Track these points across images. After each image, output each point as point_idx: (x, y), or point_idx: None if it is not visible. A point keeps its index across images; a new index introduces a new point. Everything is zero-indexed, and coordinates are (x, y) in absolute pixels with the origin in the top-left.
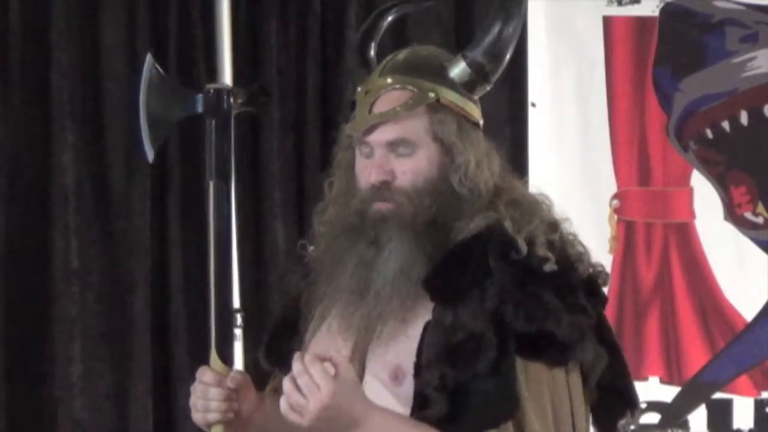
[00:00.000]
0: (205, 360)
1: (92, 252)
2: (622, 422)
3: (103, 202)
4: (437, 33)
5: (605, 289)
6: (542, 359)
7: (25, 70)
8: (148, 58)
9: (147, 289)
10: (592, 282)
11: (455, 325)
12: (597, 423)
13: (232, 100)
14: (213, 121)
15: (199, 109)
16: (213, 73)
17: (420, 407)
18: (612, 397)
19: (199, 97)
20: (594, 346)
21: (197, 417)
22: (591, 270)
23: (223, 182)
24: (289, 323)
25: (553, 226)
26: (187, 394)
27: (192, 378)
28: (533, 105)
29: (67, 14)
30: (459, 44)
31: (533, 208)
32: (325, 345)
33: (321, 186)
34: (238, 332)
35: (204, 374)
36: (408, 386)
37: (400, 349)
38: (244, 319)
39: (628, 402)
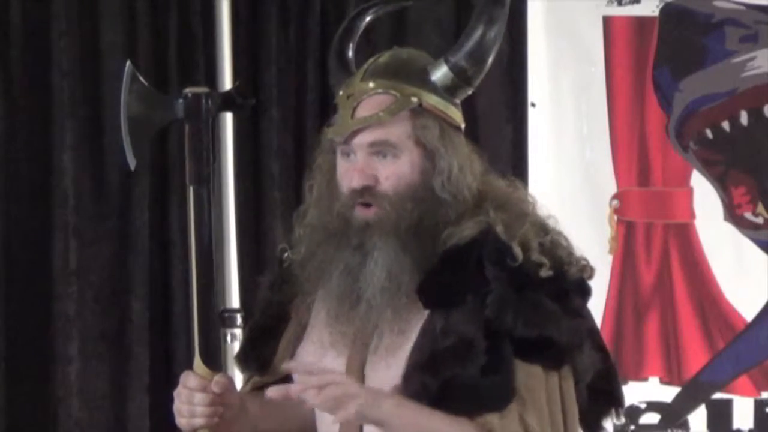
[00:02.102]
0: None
1: (91, 252)
2: (607, 421)
3: (103, 202)
4: (437, 34)
5: (591, 283)
6: (538, 362)
7: (25, 70)
8: (128, 65)
9: (146, 289)
10: (582, 282)
11: (445, 330)
12: (582, 422)
13: (209, 104)
14: (189, 126)
15: (180, 113)
16: (213, 73)
17: None
18: (598, 397)
19: (180, 101)
20: (590, 350)
21: (182, 422)
22: (580, 268)
23: (202, 187)
24: (267, 329)
25: (543, 227)
26: None
27: None
28: (533, 105)
29: (67, 14)
30: None
31: (521, 210)
32: (316, 357)
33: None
34: (238, 332)
35: (188, 379)
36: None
37: (400, 365)
38: (244, 319)
39: (614, 401)
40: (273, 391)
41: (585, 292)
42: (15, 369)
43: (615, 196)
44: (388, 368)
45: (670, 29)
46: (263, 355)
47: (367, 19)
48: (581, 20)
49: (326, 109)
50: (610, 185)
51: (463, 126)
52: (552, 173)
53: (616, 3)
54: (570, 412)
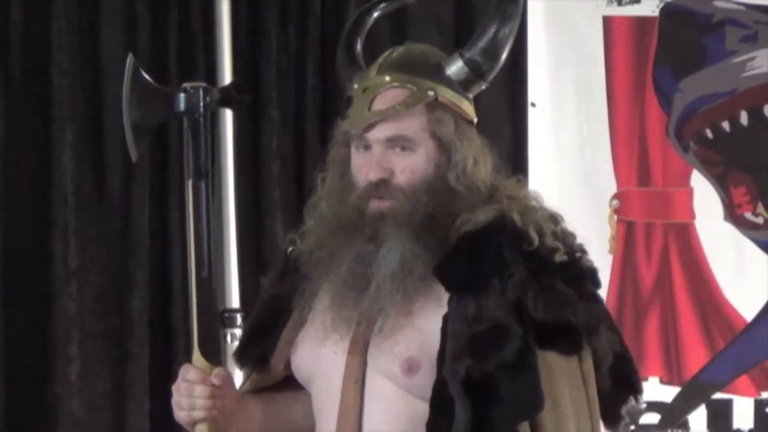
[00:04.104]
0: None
1: (91, 252)
2: (625, 408)
3: (103, 202)
4: (437, 33)
5: None
6: (557, 348)
7: (25, 70)
8: (130, 58)
9: (146, 289)
10: (594, 271)
11: (478, 316)
12: (600, 411)
13: (208, 98)
14: (189, 120)
15: (180, 107)
16: (213, 73)
17: (441, 403)
18: (616, 383)
19: (181, 95)
20: (607, 333)
21: (182, 415)
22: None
23: (201, 181)
24: (266, 325)
25: (553, 217)
26: None
27: None
28: (533, 105)
29: (67, 14)
30: (458, 45)
31: (529, 204)
32: (317, 342)
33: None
34: (238, 332)
35: (188, 372)
36: (422, 378)
37: (410, 341)
38: (244, 319)
39: (631, 388)
40: None
41: (597, 281)
42: (15, 369)
43: (615, 196)
44: (396, 345)
45: (670, 29)
46: (262, 351)
47: (375, 15)
48: (581, 20)
49: (326, 109)
50: (610, 185)
51: (475, 120)
52: (552, 173)
53: (616, 3)
54: (591, 396)
